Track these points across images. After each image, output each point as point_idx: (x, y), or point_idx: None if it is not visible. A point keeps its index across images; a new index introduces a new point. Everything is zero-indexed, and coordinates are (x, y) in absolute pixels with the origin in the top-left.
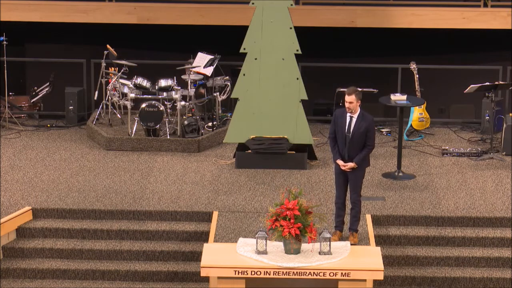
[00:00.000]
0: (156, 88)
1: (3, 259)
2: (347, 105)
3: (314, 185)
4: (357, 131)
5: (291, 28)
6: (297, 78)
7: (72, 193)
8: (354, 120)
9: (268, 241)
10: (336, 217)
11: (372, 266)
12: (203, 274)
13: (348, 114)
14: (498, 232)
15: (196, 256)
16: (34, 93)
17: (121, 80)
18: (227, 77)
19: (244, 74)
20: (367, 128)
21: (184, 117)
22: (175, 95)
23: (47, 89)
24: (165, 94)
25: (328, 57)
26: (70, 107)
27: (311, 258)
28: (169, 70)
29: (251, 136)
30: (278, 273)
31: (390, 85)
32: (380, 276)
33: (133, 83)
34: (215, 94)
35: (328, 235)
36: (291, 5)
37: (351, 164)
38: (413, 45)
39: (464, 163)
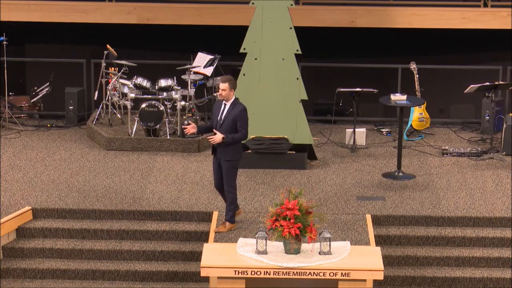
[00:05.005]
0: (156, 88)
1: (3, 259)
2: (220, 92)
3: (314, 185)
4: (227, 117)
5: (291, 28)
6: (297, 78)
7: (72, 193)
8: (227, 107)
9: (268, 241)
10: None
11: (372, 266)
12: (203, 274)
13: (224, 102)
14: (498, 232)
15: (196, 256)
16: (34, 93)
17: (121, 80)
18: None
19: (244, 74)
20: (236, 117)
21: (184, 117)
22: (175, 95)
23: (47, 89)
24: (165, 94)
25: (328, 57)
26: (70, 107)
27: (311, 258)
28: (169, 70)
29: (251, 136)
30: (278, 273)
31: (390, 85)
32: (380, 276)
33: (133, 83)
34: (215, 94)
35: (328, 235)
36: (291, 5)
37: (217, 136)
38: (413, 45)
39: (464, 163)
